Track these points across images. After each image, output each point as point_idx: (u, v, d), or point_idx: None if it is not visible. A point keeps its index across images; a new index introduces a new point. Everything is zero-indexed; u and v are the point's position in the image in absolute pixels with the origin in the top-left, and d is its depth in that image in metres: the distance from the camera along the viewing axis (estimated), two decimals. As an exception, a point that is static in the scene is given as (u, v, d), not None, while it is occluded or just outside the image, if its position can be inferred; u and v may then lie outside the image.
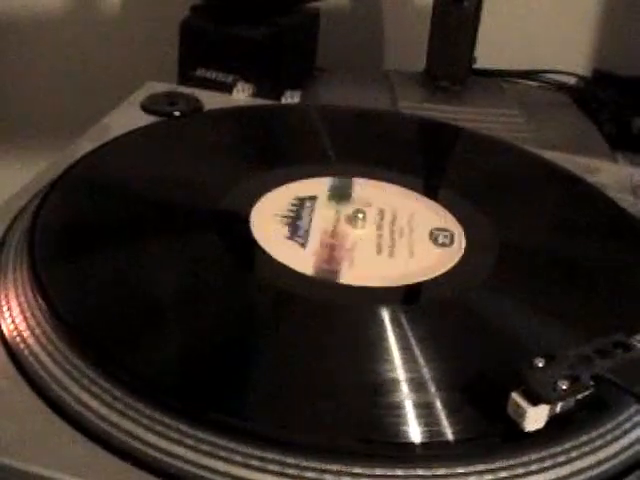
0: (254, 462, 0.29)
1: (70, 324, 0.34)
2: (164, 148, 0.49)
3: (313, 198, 0.45)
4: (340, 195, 0.46)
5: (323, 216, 0.43)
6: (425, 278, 0.39)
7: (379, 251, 0.41)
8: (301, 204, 0.44)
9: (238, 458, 0.30)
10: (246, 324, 0.36)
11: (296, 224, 0.42)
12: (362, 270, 0.39)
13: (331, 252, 0.40)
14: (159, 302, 0.37)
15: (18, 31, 0.98)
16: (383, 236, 0.42)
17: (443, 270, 0.40)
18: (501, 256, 0.41)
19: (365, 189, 0.47)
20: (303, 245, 0.41)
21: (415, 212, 0.45)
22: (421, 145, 0.57)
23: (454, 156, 0.55)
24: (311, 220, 0.43)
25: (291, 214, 0.43)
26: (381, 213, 0.44)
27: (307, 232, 0.42)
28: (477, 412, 0.31)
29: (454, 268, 0.40)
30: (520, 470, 0.30)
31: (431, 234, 0.43)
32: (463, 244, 0.42)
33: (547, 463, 0.31)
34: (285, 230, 0.42)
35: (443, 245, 0.42)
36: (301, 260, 0.39)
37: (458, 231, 0.43)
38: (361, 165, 0.49)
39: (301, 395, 0.32)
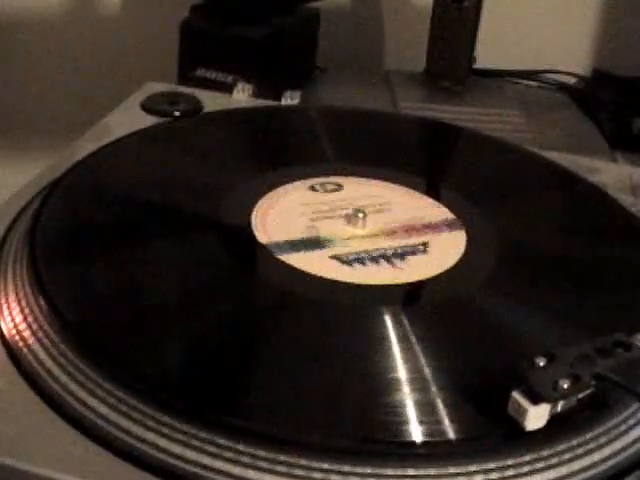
0: (254, 461, 0.29)
1: (70, 324, 0.34)
2: (165, 149, 0.49)
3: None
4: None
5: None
6: (426, 277, 0.39)
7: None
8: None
9: (238, 457, 0.30)
10: (247, 324, 0.36)
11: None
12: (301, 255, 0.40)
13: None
14: (159, 302, 0.37)
15: (18, 31, 0.98)
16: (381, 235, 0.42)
17: (444, 269, 0.40)
18: (502, 255, 0.41)
19: (357, 189, 0.47)
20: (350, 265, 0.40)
21: (415, 209, 0.45)
22: (421, 145, 0.57)
23: (454, 156, 0.55)
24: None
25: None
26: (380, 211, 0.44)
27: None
28: (478, 411, 0.31)
29: (455, 267, 0.40)
30: (521, 469, 0.30)
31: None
32: (464, 244, 0.42)
33: (548, 462, 0.31)
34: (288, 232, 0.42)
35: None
36: (305, 260, 0.39)
37: (459, 231, 0.43)
38: (361, 165, 0.49)
39: (302, 395, 0.32)
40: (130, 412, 0.31)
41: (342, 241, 0.42)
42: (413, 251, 0.41)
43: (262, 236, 0.41)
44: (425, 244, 0.42)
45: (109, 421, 0.31)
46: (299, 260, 0.39)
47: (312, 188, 0.46)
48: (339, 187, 0.47)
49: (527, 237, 0.44)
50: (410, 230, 0.43)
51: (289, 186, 0.46)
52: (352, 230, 0.43)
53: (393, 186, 0.47)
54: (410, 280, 0.39)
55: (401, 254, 0.41)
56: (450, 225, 0.44)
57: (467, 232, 0.43)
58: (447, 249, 0.41)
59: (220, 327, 0.35)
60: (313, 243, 0.41)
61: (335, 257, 0.40)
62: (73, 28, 0.98)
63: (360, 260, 0.40)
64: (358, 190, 0.46)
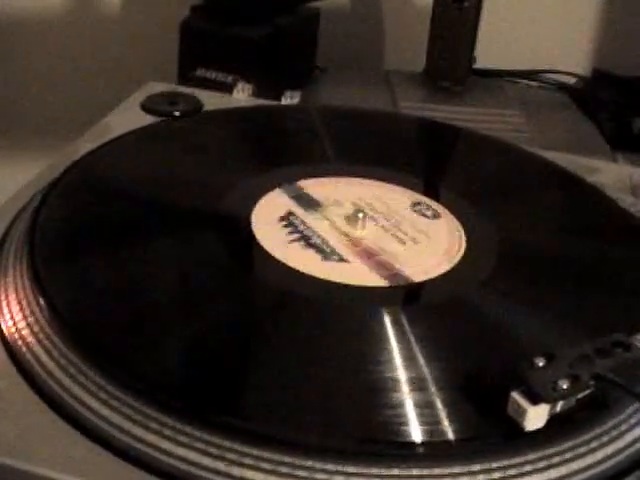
0: (254, 462, 0.29)
1: (70, 324, 0.34)
2: (164, 148, 0.50)
3: (292, 214, 0.44)
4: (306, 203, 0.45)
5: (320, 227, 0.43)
6: (426, 278, 0.39)
7: (402, 243, 0.41)
8: (289, 222, 0.43)
9: (238, 458, 0.30)
10: (246, 324, 0.36)
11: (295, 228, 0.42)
12: (416, 263, 0.40)
13: (374, 259, 0.40)
14: (159, 302, 0.37)
15: (18, 31, 0.98)
16: (391, 231, 0.42)
17: (443, 270, 0.40)
18: (501, 256, 0.41)
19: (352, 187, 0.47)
20: (327, 258, 0.40)
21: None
22: (421, 145, 0.57)
23: (454, 156, 0.55)
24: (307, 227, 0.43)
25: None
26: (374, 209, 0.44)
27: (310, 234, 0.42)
28: (477, 411, 0.31)
29: (454, 268, 0.40)
30: (520, 469, 0.30)
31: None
32: (463, 244, 0.42)
33: (547, 462, 0.31)
34: (286, 232, 0.42)
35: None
36: (307, 261, 0.39)
37: (458, 231, 0.43)
38: (361, 165, 0.49)
39: (301, 395, 0.32)
40: (130, 412, 0.31)
41: (337, 238, 0.42)
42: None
43: (262, 236, 0.41)
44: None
45: (109, 421, 0.31)
46: (282, 250, 0.40)
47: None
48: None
49: (527, 237, 0.44)
50: (407, 235, 0.43)
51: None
52: (351, 230, 0.43)
53: (411, 193, 0.47)
54: (410, 280, 0.39)
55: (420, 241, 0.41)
56: (449, 223, 0.44)
57: (466, 232, 0.43)
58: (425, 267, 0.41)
59: (218, 327, 0.35)
60: (305, 236, 0.42)
61: (320, 251, 0.40)
62: (73, 28, 0.98)
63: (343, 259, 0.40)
64: (375, 192, 0.47)
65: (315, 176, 0.47)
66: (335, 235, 0.42)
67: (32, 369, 0.33)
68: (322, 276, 0.38)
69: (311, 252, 0.40)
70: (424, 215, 0.43)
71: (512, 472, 0.30)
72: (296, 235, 0.41)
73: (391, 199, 0.46)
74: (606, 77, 0.84)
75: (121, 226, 0.42)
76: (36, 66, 1.00)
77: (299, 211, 0.44)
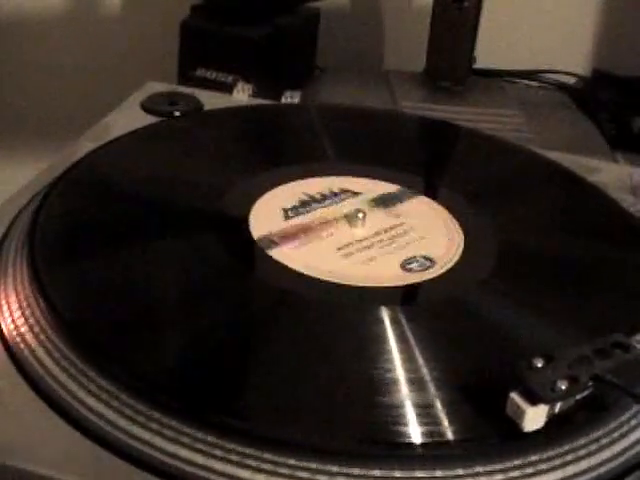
0: (252, 462, 0.30)
1: (70, 323, 0.34)
2: (164, 148, 0.50)
3: (292, 214, 0.44)
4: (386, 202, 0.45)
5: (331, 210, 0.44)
6: (424, 278, 0.39)
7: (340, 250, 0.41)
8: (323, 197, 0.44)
9: (237, 458, 0.30)
10: (245, 324, 0.36)
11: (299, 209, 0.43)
12: (302, 257, 0.40)
13: (299, 232, 0.41)
14: (159, 302, 0.37)
15: (18, 31, 0.98)
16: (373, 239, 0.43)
17: (442, 270, 0.40)
18: (501, 256, 0.41)
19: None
20: (287, 220, 0.41)
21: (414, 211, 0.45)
22: (422, 144, 0.57)
23: (454, 155, 0.55)
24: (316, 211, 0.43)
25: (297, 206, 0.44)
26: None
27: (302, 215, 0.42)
28: (476, 412, 0.31)
29: (453, 268, 0.40)
30: (520, 470, 0.30)
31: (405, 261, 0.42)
32: (462, 244, 0.42)
33: (546, 464, 0.31)
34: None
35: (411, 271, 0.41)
36: (269, 227, 0.40)
37: (457, 231, 0.43)
38: (361, 164, 0.49)
39: (300, 395, 0.32)
40: (130, 412, 0.31)
41: (336, 237, 0.42)
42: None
43: (257, 232, 0.41)
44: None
45: (109, 421, 0.31)
46: (280, 249, 0.40)
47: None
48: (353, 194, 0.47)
49: (526, 237, 0.44)
50: (407, 234, 0.43)
51: (289, 185, 0.46)
52: (351, 229, 0.43)
53: (391, 185, 0.47)
54: (408, 280, 0.39)
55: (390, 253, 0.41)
56: (448, 225, 0.43)
57: (465, 232, 0.43)
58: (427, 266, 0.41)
59: (217, 327, 0.35)
60: (304, 233, 0.42)
61: (316, 250, 0.41)
62: (73, 28, 0.98)
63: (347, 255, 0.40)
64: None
65: (315, 175, 0.47)
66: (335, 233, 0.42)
67: (32, 369, 0.33)
68: (321, 276, 0.38)
69: (311, 250, 0.40)
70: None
71: (511, 473, 0.30)
72: (295, 234, 0.42)
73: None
74: (606, 77, 0.84)
75: (121, 226, 0.42)
76: (36, 66, 1.00)
77: (299, 211, 0.44)
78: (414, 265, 0.40)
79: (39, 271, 0.37)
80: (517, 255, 0.42)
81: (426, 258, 0.41)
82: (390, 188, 0.47)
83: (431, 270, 0.40)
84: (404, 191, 0.47)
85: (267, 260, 0.39)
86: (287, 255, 0.40)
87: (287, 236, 0.41)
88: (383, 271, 0.39)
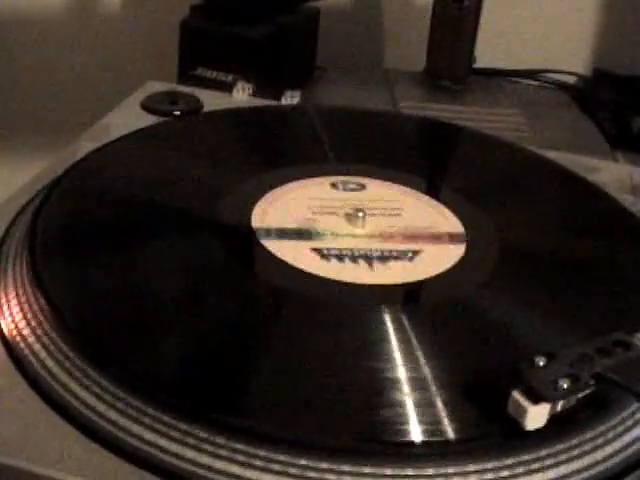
0: (253, 461, 0.29)
1: (71, 323, 0.34)
2: (165, 148, 0.49)
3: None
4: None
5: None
6: (426, 277, 0.39)
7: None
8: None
9: (238, 457, 0.30)
10: (246, 323, 0.36)
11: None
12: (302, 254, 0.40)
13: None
14: (159, 301, 0.37)
15: (18, 31, 0.98)
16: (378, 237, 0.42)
17: (444, 269, 0.40)
18: (502, 255, 0.41)
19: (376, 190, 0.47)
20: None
21: (415, 211, 0.45)
22: (422, 144, 0.57)
23: (455, 155, 0.55)
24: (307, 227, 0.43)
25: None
26: (382, 213, 0.44)
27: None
28: (478, 411, 0.31)
29: (455, 267, 0.40)
30: (521, 469, 0.30)
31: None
32: (464, 243, 0.42)
33: (548, 462, 0.31)
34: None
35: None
36: (300, 256, 0.39)
37: (459, 231, 0.43)
38: (361, 164, 0.49)
39: (301, 394, 0.32)
40: (130, 412, 0.31)
41: (333, 236, 0.42)
42: (398, 256, 0.41)
43: (257, 222, 0.41)
44: (416, 252, 0.41)
45: (110, 421, 0.31)
46: (280, 248, 0.40)
47: (333, 185, 0.46)
48: (361, 187, 0.47)
49: (527, 236, 0.44)
50: (409, 237, 0.43)
51: (310, 181, 0.46)
52: (350, 228, 0.43)
53: (413, 192, 0.47)
54: (410, 279, 0.39)
55: (385, 257, 0.40)
56: (453, 238, 0.43)
57: (467, 231, 0.43)
58: (436, 260, 0.41)
59: (220, 326, 0.35)
60: (303, 234, 0.42)
61: (316, 250, 0.40)
62: (73, 28, 0.98)
63: (339, 257, 0.40)
64: (378, 192, 0.46)
65: (314, 176, 0.47)
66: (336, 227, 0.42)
67: (32, 369, 0.33)
68: (323, 274, 0.38)
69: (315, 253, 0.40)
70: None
71: (513, 471, 0.30)
72: (296, 235, 0.41)
73: (391, 198, 0.46)
74: (606, 77, 0.84)
75: (121, 226, 0.42)
76: (35, 66, 1.00)
77: (299, 211, 0.44)
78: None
79: (39, 271, 0.37)
80: (518, 254, 0.42)
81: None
82: (389, 187, 0.47)
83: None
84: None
85: (268, 259, 0.39)
86: (288, 254, 0.40)
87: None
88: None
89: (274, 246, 0.40)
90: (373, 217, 0.44)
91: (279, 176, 0.47)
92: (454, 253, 0.41)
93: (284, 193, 0.45)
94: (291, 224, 0.42)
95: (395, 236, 0.42)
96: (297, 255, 0.40)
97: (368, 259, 0.40)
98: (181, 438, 0.30)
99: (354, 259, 0.40)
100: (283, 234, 0.41)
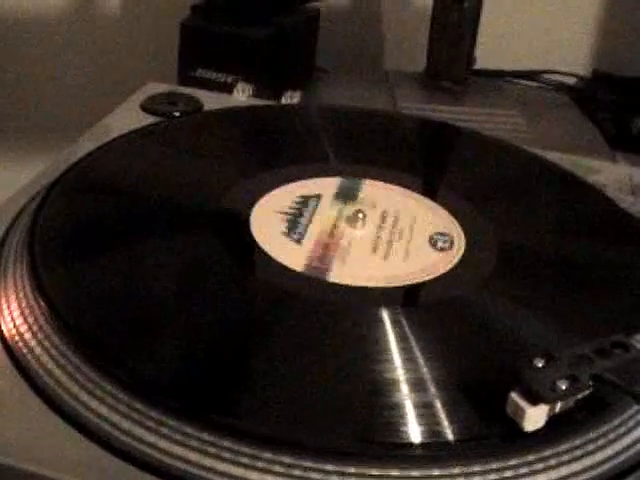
0: (253, 462, 0.30)
1: (70, 324, 0.34)
2: (164, 148, 0.50)
3: (318, 197, 0.45)
4: (346, 195, 0.46)
5: (324, 215, 0.44)
6: (425, 279, 0.39)
7: (374, 251, 0.41)
8: (304, 202, 0.44)
9: (238, 458, 0.30)
10: (245, 325, 0.36)
11: (296, 223, 0.42)
12: (354, 269, 0.39)
13: (325, 250, 0.41)
14: (159, 302, 0.37)
15: (17, 31, 0.98)
16: (381, 237, 0.42)
17: (443, 271, 0.40)
18: (501, 257, 0.41)
19: (373, 190, 0.47)
20: (299, 242, 0.41)
21: (415, 213, 0.45)
22: (422, 145, 0.57)
23: (455, 157, 0.55)
24: (311, 219, 0.43)
25: (293, 212, 0.43)
26: (383, 214, 0.44)
27: (305, 230, 0.42)
28: (476, 412, 0.31)
29: (454, 269, 0.40)
30: (520, 470, 0.30)
31: (431, 238, 0.42)
32: (463, 245, 0.42)
33: (547, 463, 0.31)
34: (284, 228, 0.42)
35: (442, 250, 0.42)
36: (295, 258, 0.40)
37: (458, 232, 0.43)
38: (361, 165, 0.49)
39: (300, 395, 0.32)
40: (130, 412, 0.31)
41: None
42: (409, 253, 0.41)
43: (261, 236, 0.41)
44: (423, 247, 0.41)
45: (109, 421, 0.31)
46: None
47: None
48: (360, 190, 0.47)
49: (526, 238, 0.44)
50: (409, 232, 0.43)
51: (289, 186, 0.46)
52: (351, 230, 0.43)
53: (412, 194, 0.47)
54: (409, 281, 0.39)
55: (397, 255, 0.41)
56: (449, 226, 0.43)
57: (466, 233, 0.43)
58: (445, 252, 0.41)
59: (220, 327, 0.35)
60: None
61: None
62: (73, 28, 0.98)
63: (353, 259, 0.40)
64: (376, 194, 0.46)
65: (315, 176, 0.47)
66: (325, 224, 0.43)
67: (32, 370, 0.33)
68: (324, 277, 0.38)
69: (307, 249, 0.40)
70: (434, 246, 0.42)
71: (512, 473, 0.30)
72: (296, 236, 0.42)
73: (390, 199, 0.46)
74: (606, 77, 0.84)
75: (121, 227, 0.42)
76: (35, 66, 1.00)
77: (328, 197, 0.44)
78: (440, 243, 0.42)
79: (39, 271, 0.37)
80: (517, 256, 0.42)
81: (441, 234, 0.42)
82: (389, 188, 0.47)
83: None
84: (351, 179, 0.47)
85: (266, 260, 0.39)
86: (286, 255, 0.40)
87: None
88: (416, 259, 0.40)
89: (274, 249, 0.40)
90: (370, 218, 0.44)
91: (278, 177, 0.47)
92: (449, 257, 0.41)
93: (281, 194, 0.45)
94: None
95: (392, 237, 0.42)
96: (299, 257, 0.40)
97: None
98: (183, 440, 0.30)
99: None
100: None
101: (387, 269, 0.40)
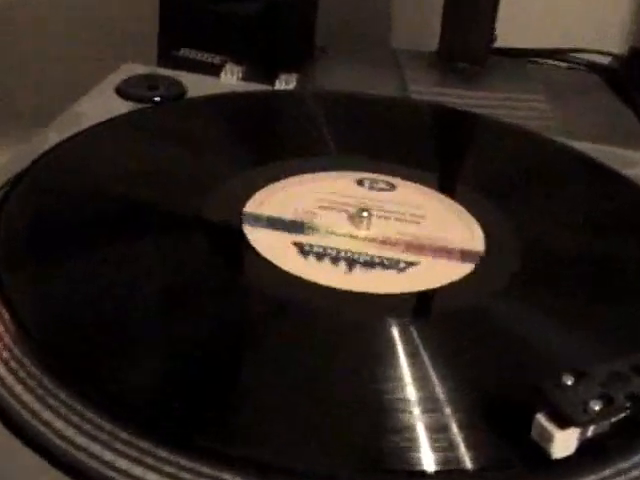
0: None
1: (37, 339, 0.34)
2: (143, 139, 0.50)
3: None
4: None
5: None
6: (439, 285, 0.39)
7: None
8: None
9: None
10: (237, 337, 0.36)
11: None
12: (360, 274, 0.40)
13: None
14: (139, 314, 0.37)
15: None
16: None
17: (459, 276, 0.40)
18: (524, 260, 0.41)
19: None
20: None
21: (430, 211, 0.45)
22: (435, 135, 0.57)
23: (472, 148, 0.55)
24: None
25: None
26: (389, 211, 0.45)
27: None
28: (498, 436, 0.31)
29: (471, 274, 0.40)
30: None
31: (446, 240, 0.43)
32: (482, 247, 0.42)
33: (577, 494, 0.31)
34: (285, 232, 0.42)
35: (458, 253, 0.42)
36: (278, 248, 0.40)
37: (478, 233, 0.43)
38: (367, 158, 0.49)
39: (300, 418, 0.32)
40: (102, 436, 0.31)
41: (326, 234, 0.42)
42: (388, 265, 0.41)
43: (256, 238, 0.41)
44: (411, 264, 0.41)
45: (80, 447, 0.31)
46: (260, 237, 0.41)
47: (359, 182, 0.47)
48: (390, 187, 0.47)
49: (554, 239, 0.44)
50: (414, 247, 0.42)
51: (334, 173, 0.47)
52: (349, 228, 0.43)
53: (439, 196, 0.47)
54: (421, 287, 0.39)
55: (371, 264, 0.41)
56: (464, 255, 0.42)
57: (485, 233, 0.43)
58: (432, 276, 0.40)
59: (206, 340, 0.35)
60: (295, 226, 0.42)
61: (297, 244, 0.41)
62: (41, 2, 0.98)
63: (319, 255, 0.40)
64: (405, 194, 0.47)
65: (313, 170, 0.47)
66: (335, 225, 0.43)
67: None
68: (323, 282, 0.38)
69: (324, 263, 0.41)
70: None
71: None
72: (296, 236, 0.42)
73: (415, 202, 0.46)
74: (644, 56, 0.84)
75: (95, 227, 0.42)
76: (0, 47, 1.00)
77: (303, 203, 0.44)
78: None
79: (1, 279, 0.37)
80: (543, 259, 0.42)
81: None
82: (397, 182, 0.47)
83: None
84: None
85: (261, 264, 0.39)
86: (284, 258, 0.40)
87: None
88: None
89: (255, 234, 0.41)
90: (384, 220, 0.44)
91: (271, 170, 0.47)
92: (458, 270, 0.41)
93: (294, 184, 0.46)
94: (287, 214, 0.43)
95: (398, 244, 0.42)
96: (275, 246, 0.40)
97: (351, 262, 0.40)
98: (161, 467, 0.30)
99: (335, 260, 0.40)
100: (273, 223, 0.42)
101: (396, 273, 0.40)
